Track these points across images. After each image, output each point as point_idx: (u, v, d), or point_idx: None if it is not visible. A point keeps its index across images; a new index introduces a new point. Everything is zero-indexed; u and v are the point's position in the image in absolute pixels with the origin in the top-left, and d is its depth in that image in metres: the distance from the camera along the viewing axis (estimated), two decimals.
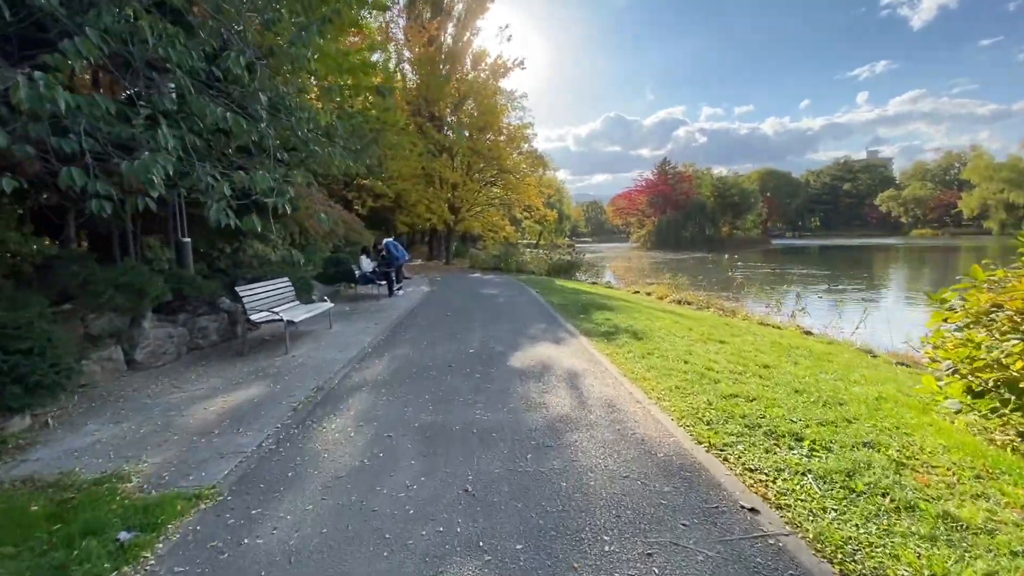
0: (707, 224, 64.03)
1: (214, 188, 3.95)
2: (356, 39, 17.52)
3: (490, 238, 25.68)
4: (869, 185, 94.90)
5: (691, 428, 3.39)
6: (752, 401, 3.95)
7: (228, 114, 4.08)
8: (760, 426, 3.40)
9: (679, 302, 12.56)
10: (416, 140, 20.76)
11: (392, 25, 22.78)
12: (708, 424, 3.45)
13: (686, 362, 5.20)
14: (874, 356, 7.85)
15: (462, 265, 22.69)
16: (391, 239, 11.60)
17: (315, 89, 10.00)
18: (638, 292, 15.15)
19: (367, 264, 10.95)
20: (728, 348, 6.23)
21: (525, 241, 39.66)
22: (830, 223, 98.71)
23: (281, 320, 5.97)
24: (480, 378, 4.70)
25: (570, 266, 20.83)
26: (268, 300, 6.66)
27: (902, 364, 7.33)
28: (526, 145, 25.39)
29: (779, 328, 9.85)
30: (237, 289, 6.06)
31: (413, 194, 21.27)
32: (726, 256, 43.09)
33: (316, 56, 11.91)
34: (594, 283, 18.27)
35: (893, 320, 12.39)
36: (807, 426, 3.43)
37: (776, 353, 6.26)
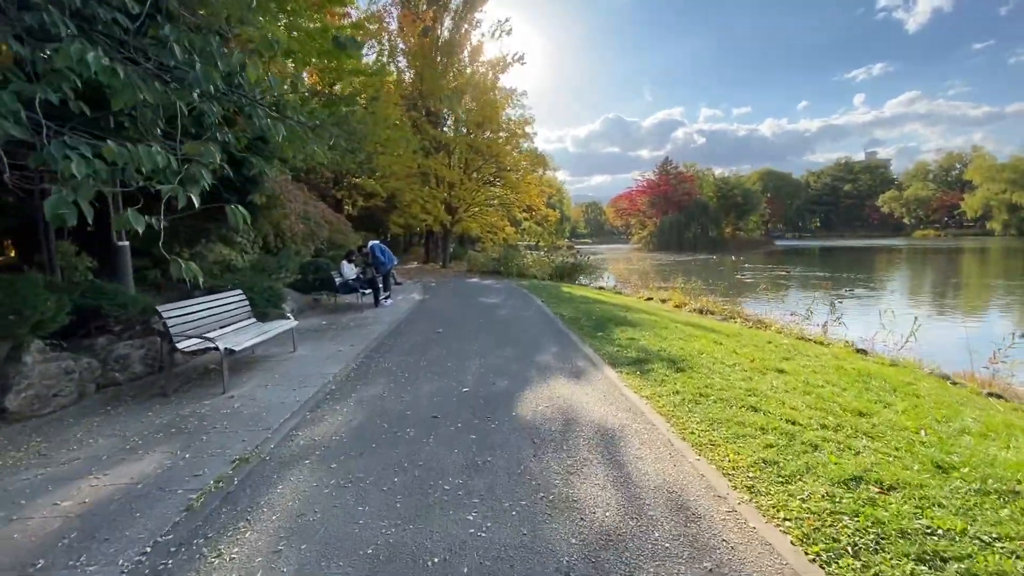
0: (710, 225, 62.76)
1: (68, 166, 2.57)
2: (345, 22, 16.17)
3: (489, 240, 24.30)
4: (870, 186, 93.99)
5: (834, 567, 2.01)
6: (892, 492, 2.58)
7: (92, 55, 2.69)
8: (944, 558, 2.04)
9: (700, 311, 11.21)
10: (410, 136, 19.43)
11: (386, 14, 21.43)
12: (857, 557, 2.07)
13: (755, 409, 3.83)
14: (954, 383, 6.52)
15: (459, 269, 21.31)
16: (377, 241, 10.21)
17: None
18: (651, 299, 13.82)
19: (349, 270, 9.55)
20: (793, 381, 4.87)
21: (525, 243, 38.34)
22: (830, 224, 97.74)
23: (216, 348, 4.57)
24: (476, 443, 3.31)
25: (574, 269, 19.51)
26: (210, 319, 5.26)
27: (994, 396, 6.00)
28: (527, 143, 24.05)
29: (822, 344, 8.53)
30: (159, 308, 4.65)
31: (407, 193, 19.89)
32: (732, 258, 41.87)
33: (293, 34, 10.55)
34: (601, 288, 16.93)
35: (930, 329, 11.13)
36: (1018, 556, 2.07)
37: (855, 388, 4.91)
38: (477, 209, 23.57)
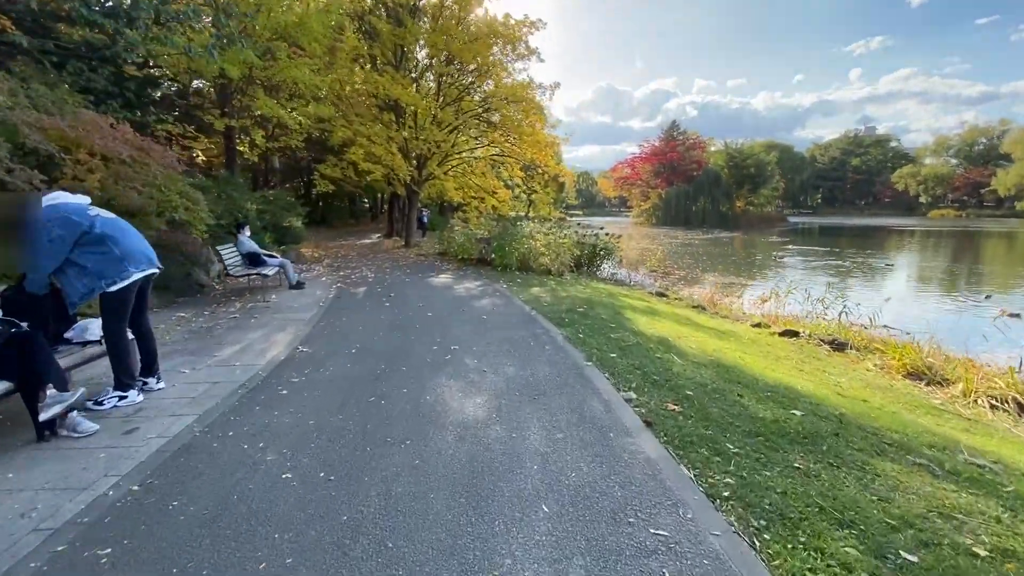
0: (721, 199, 55.65)
1: None
2: None
3: (474, 209, 16.91)
4: (880, 161, 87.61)
5: None
6: None
7: None
8: None
9: (917, 377, 4.38)
10: (347, 24, 11.74)
11: None
12: None
13: None
14: None
15: (429, 251, 14.04)
16: (59, 197, 2.87)
17: None
18: (796, 334, 6.92)
19: None
20: None
21: (514, 213, 30.41)
22: (833, 200, 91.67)
23: None
24: None
25: (594, 255, 12.58)
26: None
27: None
28: (527, 68, 16.29)
29: None
30: None
31: (340, 129, 12.33)
32: (764, 239, 35.24)
33: None
34: (660, 294, 10.01)
35: None
36: None
37: None
38: (456, 162, 16.09)
